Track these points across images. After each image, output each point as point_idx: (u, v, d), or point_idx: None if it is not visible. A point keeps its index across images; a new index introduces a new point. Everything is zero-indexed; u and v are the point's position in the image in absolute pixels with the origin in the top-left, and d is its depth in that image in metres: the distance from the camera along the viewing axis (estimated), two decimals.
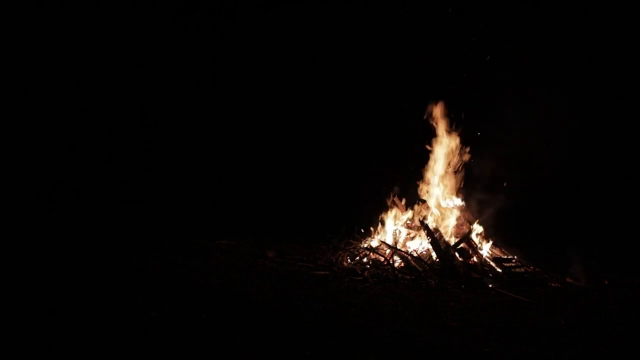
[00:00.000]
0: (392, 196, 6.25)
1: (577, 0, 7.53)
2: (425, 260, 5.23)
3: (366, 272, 4.86)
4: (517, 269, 5.19)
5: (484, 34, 7.21)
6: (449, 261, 4.96)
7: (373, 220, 6.25)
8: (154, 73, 9.07)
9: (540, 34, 7.43)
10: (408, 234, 5.87)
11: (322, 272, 4.95)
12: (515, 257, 5.50)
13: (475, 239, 5.61)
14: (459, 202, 6.07)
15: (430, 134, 6.29)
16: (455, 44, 7.35)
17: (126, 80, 8.91)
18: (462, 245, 5.26)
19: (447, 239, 5.49)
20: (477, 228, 5.72)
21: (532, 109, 7.00)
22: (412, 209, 6.12)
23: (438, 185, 6.17)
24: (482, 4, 7.54)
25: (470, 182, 6.17)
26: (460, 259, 5.08)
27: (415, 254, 5.35)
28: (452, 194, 6.14)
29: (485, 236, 5.76)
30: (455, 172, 6.18)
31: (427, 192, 6.21)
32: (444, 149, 6.19)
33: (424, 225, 5.51)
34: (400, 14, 8.40)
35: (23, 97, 8.35)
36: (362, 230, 6.28)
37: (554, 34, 7.39)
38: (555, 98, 6.86)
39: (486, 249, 5.59)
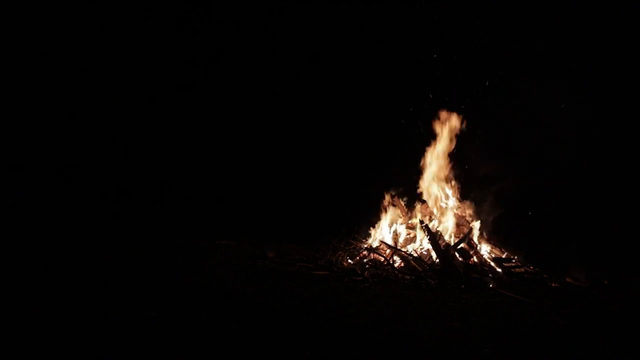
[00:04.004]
0: (392, 196, 6.25)
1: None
2: (425, 260, 5.23)
3: (366, 272, 4.85)
4: (517, 269, 5.19)
5: (488, 33, 7.19)
6: (449, 261, 4.96)
7: (373, 221, 6.25)
8: (153, 72, 9.07)
9: (556, 31, 7.35)
10: (408, 234, 5.87)
11: (321, 273, 4.96)
12: (515, 257, 5.50)
13: (475, 239, 5.61)
14: (459, 202, 6.07)
15: (429, 135, 6.30)
16: (460, 43, 7.33)
17: (126, 81, 8.91)
18: (462, 245, 5.26)
19: (447, 239, 5.49)
20: (477, 228, 5.72)
21: (533, 109, 6.99)
22: (412, 209, 6.12)
23: (438, 185, 6.17)
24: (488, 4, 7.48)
25: (470, 182, 6.17)
26: (460, 259, 5.08)
27: (415, 254, 5.34)
28: (452, 194, 6.14)
29: (485, 236, 5.76)
30: (455, 172, 6.19)
31: (427, 192, 6.21)
32: (443, 150, 6.20)
33: (423, 226, 5.51)
34: (399, 17, 8.39)
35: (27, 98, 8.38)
36: (362, 231, 6.28)
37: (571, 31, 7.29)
38: (558, 98, 6.85)
39: (486, 249, 5.59)
